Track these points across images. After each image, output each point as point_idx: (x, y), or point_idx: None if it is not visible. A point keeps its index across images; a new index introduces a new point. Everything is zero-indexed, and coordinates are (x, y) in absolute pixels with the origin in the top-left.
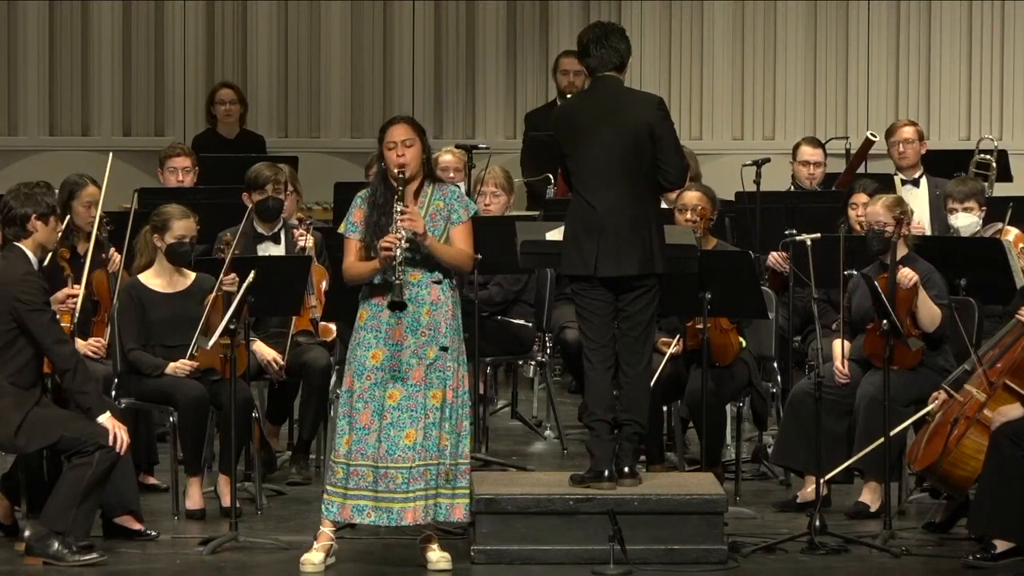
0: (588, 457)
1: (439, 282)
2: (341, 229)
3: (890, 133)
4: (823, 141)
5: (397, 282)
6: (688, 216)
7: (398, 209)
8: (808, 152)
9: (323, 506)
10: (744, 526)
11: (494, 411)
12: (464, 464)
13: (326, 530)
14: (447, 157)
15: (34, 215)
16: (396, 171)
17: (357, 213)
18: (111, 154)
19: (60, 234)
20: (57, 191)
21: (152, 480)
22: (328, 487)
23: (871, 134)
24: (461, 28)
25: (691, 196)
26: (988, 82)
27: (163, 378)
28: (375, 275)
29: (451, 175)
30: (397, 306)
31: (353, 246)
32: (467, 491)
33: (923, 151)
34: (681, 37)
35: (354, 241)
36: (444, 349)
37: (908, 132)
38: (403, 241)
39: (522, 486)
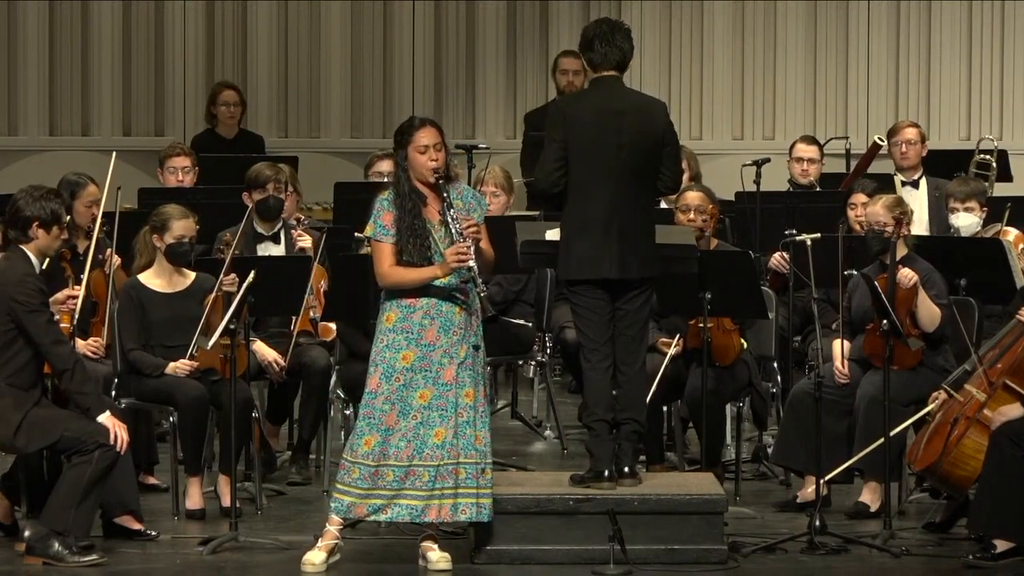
0: (588, 457)
1: (468, 281)
2: (369, 232)
3: (892, 133)
4: (823, 141)
5: (482, 294)
6: (692, 216)
7: (454, 217)
8: (802, 149)
9: (332, 503)
10: (744, 526)
11: (494, 411)
12: (490, 463)
13: (332, 528)
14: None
15: (36, 222)
16: (433, 177)
17: (387, 216)
18: (114, 153)
19: (62, 241)
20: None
21: (152, 480)
22: (339, 485)
23: (879, 138)
24: (461, 28)
25: (693, 196)
26: (988, 82)
27: (163, 378)
28: (428, 282)
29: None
30: (493, 319)
31: (387, 250)
32: (490, 490)
33: (924, 152)
34: (681, 37)
35: (387, 245)
36: (476, 348)
37: (911, 133)
38: (471, 251)
39: (522, 486)
